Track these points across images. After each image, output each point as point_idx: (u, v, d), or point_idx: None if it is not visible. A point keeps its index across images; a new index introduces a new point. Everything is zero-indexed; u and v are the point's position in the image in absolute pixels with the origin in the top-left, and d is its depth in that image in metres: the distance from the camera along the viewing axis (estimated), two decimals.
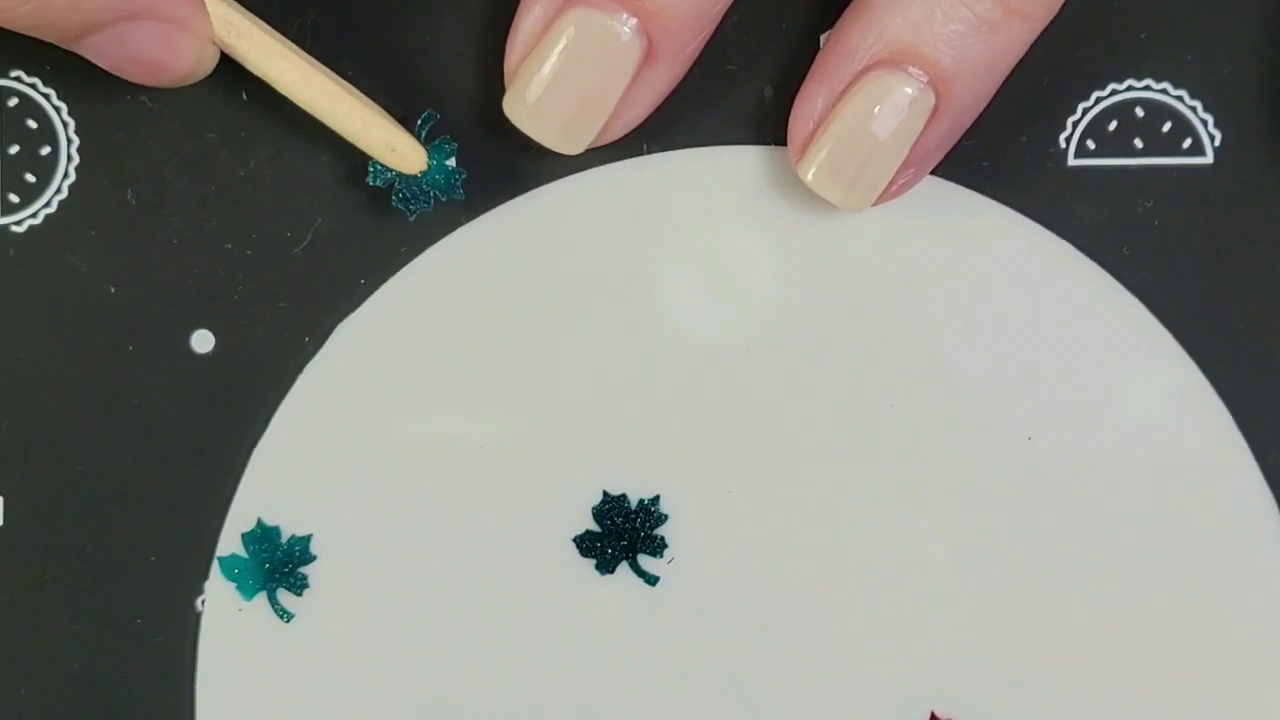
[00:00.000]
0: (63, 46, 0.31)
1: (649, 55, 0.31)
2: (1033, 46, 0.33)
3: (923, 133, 0.31)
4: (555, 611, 0.33)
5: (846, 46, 0.31)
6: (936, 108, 0.31)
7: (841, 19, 0.32)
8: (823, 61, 0.32)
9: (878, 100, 0.31)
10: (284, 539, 0.34)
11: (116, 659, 0.34)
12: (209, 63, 0.32)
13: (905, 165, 0.31)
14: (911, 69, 0.30)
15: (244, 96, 0.33)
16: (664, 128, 0.33)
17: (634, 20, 0.31)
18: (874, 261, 0.33)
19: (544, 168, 0.34)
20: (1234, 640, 0.33)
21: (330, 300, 0.34)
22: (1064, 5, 0.32)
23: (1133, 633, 0.33)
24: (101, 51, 0.31)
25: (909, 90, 0.31)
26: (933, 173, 0.33)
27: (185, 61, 0.31)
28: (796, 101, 0.32)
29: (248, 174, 0.34)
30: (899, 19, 0.30)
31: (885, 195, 0.32)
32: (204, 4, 0.31)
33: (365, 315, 0.34)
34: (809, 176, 0.31)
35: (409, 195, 0.32)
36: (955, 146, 0.33)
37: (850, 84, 0.31)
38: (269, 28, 0.32)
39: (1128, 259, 0.33)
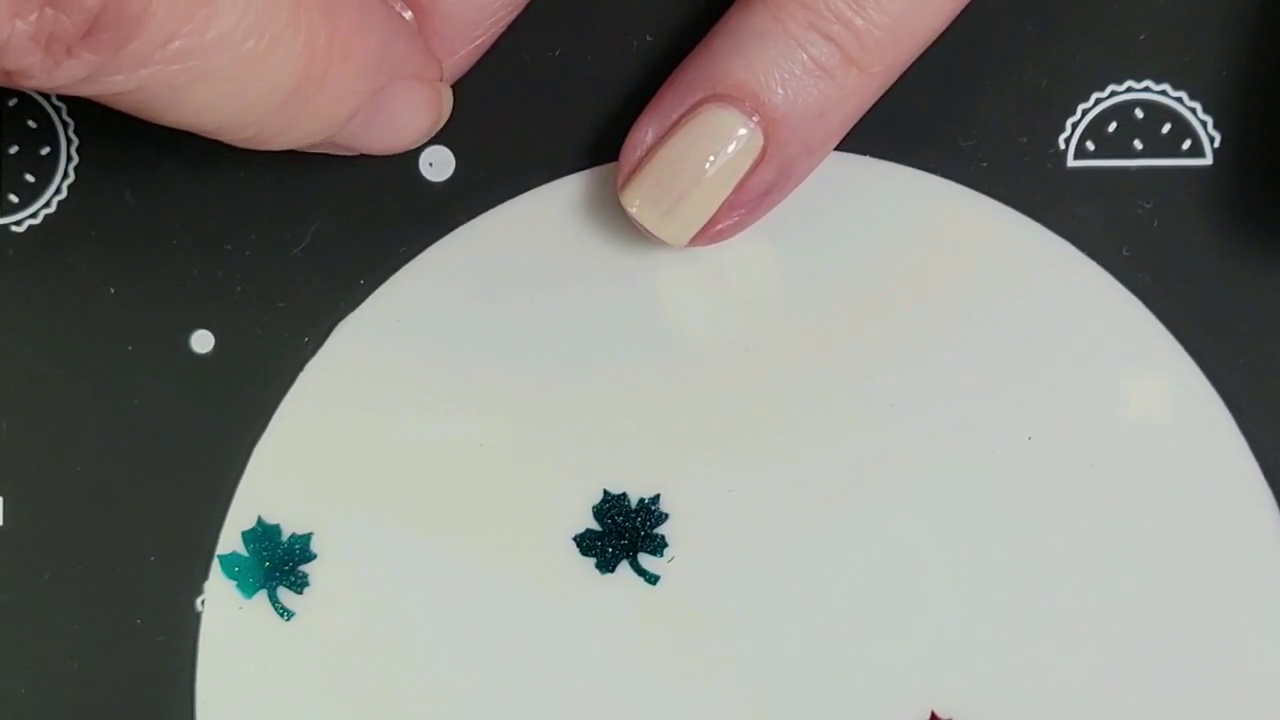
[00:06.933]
0: (315, 149, 0.30)
1: None
2: (1030, 47, 0.33)
3: (749, 174, 0.31)
4: (555, 610, 0.33)
5: (683, 81, 0.31)
6: (765, 150, 0.31)
7: (685, 58, 0.32)
8: (659, 95, 0.32)
9: (705, 134, 0.31)
10: (284, 537, 0.34)
11: (116, 659, 0.34)
12: (449, 106, 0.32)
13: (730, 206, 0.31)
14: (743, 107, 0.31)
15: None
16: None
17: (408, 14, 0.31)
18: (873, 260, 0.33)
19: (544, 168, 0.34)
20: (1234, 640, 0.33)
21: (330, 300, 0.34)
22: (921, 57, 0.32)
23: (1132, 632, 0.33)
24: (358, 133, 0.30)
25: (737, 127, 0.31)
26: (932, 172, 0.33)
27: (437, 114, 0.31)
28: (629, 132, 0.32)
29: (248, 174, 0.34)
30: (735, 58, 0.31)
31: (708, 234, 0.32)
32: (432, 50, 0.31)
33: (365, 315, 0.34)
34: (631, 205, 0.32)
35: None
36: (954, 146, 0.33)
37: (681, 117, 0.31)
38: None
39: (1128, 259, 0.33)
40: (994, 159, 0.33)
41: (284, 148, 0.30)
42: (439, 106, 0.31)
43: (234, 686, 0.34)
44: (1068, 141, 0.33)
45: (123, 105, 0.27)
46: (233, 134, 0.29)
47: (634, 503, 0.33)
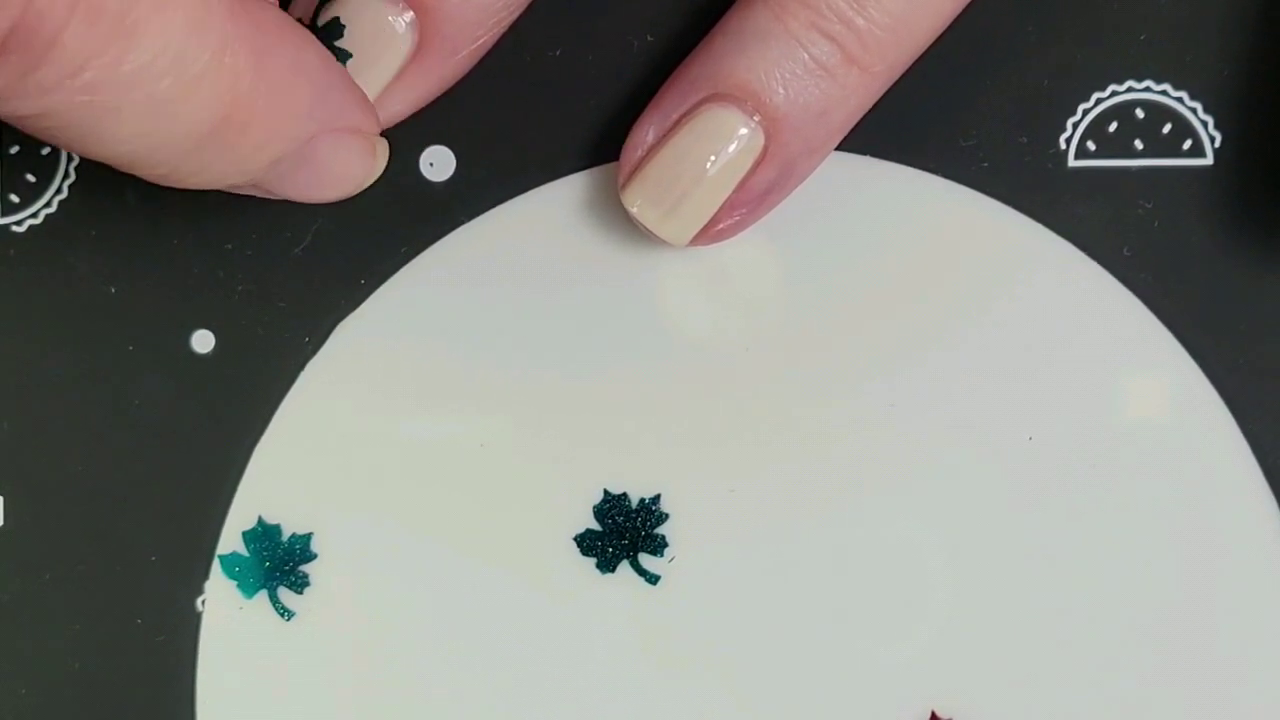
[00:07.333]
0: (238, 190, 0.30)
1: (418, 52, 0.31)
2: (1030, 47, 0.33)
3: (750, 174, 0.31)
4: (556, 610, 0.33)
5: (684, 81, 0.31)
6: (766, 149, 0.31)
7: (686, 58, 0.32)
8: (661, 94, 0.32)
9: (706, 133, 0.31)
10: (285, 537, 0.34)
11: (116, 659, 0.34)
12: (383, 161, 0.31)
13: (731, 205, 0.31)
14: (744, 107, 0.31)
15: None
16: None
17: (410, 14, 0.31)
18: (873, 260, 0.33)
19: (544, 168, 0.34)
20: (1234, 640, 0.33)
21: (330, 300, 0.34)
22: (923, 55, 0.32)
23: (1133, 633, 0.33)
24: (282, 180, 0.29)
25: (738, 126, 0.31)
26: (932, 172, 0.33)
27: (369, 168, 0.31)
28: (630, 131, 0.32)
29: None
30: (737, 57, 0.31)
31: (709, 234, 0.32)
32: (370, 103, 0.31)
33: (365, 315, 0.34)
34: (632, 205, 0.32)
35: None
36: (955, 146, 0.33)
37: (683, 117, 0.31)
38: None
39: (1128, 259, 0.33)
40: (994, 159, 0.33)
41: (201, 188, 0.29)
42: (372, 161, 0.31)
43: (234, 686, 0.34)
44: (1068, 141, 0.33)
45: (28, 129, 0.26)
46: (145, 170, 0.28)
47: (634, 503, 0.33)
